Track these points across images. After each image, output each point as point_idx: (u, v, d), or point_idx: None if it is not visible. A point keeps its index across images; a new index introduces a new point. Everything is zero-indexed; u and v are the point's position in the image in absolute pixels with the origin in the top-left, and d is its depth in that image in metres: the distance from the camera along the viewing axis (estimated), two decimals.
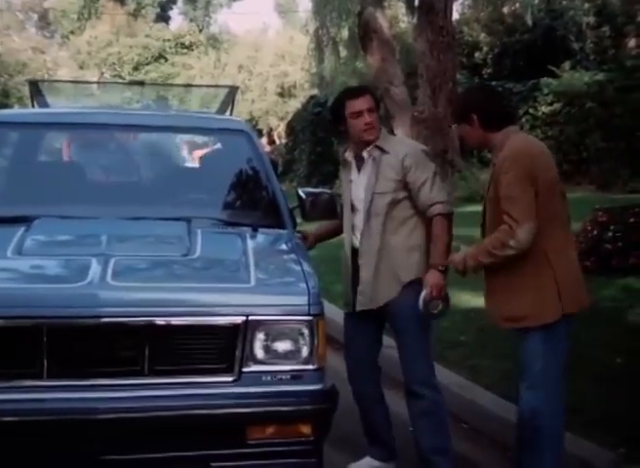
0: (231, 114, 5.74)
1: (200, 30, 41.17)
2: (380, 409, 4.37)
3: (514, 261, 3.56)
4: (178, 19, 49.72)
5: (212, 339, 3.33)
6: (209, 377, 3.30)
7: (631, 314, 6.76)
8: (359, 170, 4.22)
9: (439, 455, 4.08)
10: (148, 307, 3.26)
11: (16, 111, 8.94)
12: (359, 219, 4.18)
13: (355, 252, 4.21)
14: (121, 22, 42.78)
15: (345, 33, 19.32)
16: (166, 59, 40.53)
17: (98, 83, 17.03)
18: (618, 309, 6.93)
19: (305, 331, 3.37)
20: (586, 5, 20.88)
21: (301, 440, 3.35)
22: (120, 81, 28.82)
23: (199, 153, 8.44)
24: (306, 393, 3.34)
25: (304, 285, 3.46)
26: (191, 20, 44.51)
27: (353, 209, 4.24)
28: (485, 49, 22.39)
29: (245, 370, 3.31)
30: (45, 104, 5.59)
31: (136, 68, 39.73)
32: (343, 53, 20.00)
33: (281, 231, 4.36)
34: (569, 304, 3.60)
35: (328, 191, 4.91)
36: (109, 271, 3.33)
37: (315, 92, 27.36)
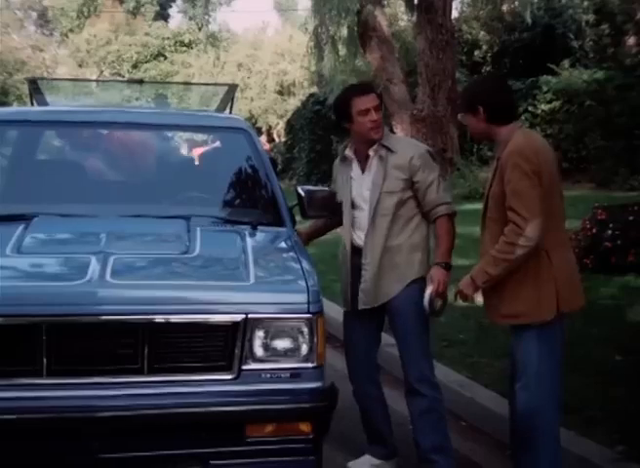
0: (230, 112, 5.73)
1: (199, 28, 41.09)
2: (379, 407, 4.37)
3: None
4: (177, 18, 49.80)
5: (211, 337, 3.33)
6: (208, 375, 3.30)
7: (630, 312, 6.76)
8: (362, 168, 4.22)
9: (439, 454, 4.08)
10: (147, 305, 3.26)
11: (15, 109, 8.94)
12: (362, 217, 4.18)
13: (355, 249, 4.21)
14: (120, 21, 42.76)
15: (345, 31, 19.29)
16: (165, 58, 40.52)
17: (97, 81, 17.01)
18: (617, 307, 6.94)
19: (305, 330, 3.37)
20: (585, 3, 20.88)
21: (301, 438, 3.35)
22: (119, 79, 28.79)
23: (198, 151, 8.44)
24: (306, 391, 3.34)
25: (304, 283, 3.46)
26: (190, 19, 44.49)
27: (354, 206, 4.23)
28: (484, 47, 22.38)
29: (244, 367, 3.31)
30: (44, 103, 5.59)
31: (135, 66, 39.72)
32: (343, 51, 19.97)
33: (280, 229, 4.35)
34: (565, 303, 3.60)
35: (327, 189, 4.90)
36: (108, 269, 3.33)
37: (314, 90, 27.40)
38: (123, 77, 34.96)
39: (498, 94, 3.77)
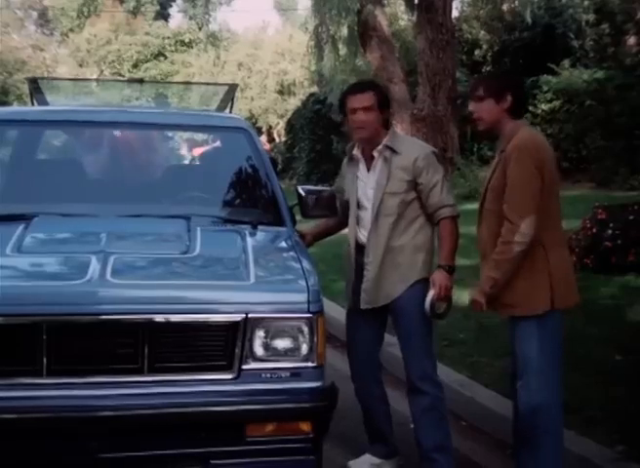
0: (231, 112, 5.74)
1: (199, 28, 41.04)
2: (381, 406, 4.38)
3: None
4: (177, 17, 49.76)
5: (211, 337, 3.33)
6: (208, 375, 3.30)
7: (630, 311, 6.76)
8: (368, 168, 4.22)
9: (440, 453, 4.08)
10: (148, 305, 3.26)
11: (15, 109, 8.94)
12: (366, 217, 4.19)
13: (360, 248, 4.21)
14: (120, 20, 42.74)
15: (345, 31, 19.29)
16: (165, 57, 40.50)
17: (97, 80, 17.00)
18: (617, 307, 6.94)
19: (305, 329, 3.37)
20: (586, 3, 20.84)
21: (301, 437, 3.35)
22: (119, 79, 28.78)
23: (199, 151, 8.44)
24: (306, 391, 3.35)
25: (304, 282, 3.46)
26: (191, 18, 44.44)
27: (359, 205, 4.24)
28: (484, 46, 22.35)
29: (244, 367, 3.31)
30: (44, 102, 5.59)
31: (135, 66, 39.71)
32: (343, 50, 19.97)
33: (281, 229, 4.36)
34: (560, 300, 3.62)
35: (327, 189, 4.90)
36: (109, 269, 3.33)
37: (315, 89, 27.37)
38: (123, 77, 34.92)
39: (522, 89, 3.93)
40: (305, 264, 3.65)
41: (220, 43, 40.00)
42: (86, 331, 3.20)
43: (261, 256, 3.82)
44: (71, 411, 3.13)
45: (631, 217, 8.16)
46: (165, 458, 3.26)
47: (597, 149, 16.09)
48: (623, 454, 4.15)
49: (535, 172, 3.55)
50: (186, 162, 7.33)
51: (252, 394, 3.29)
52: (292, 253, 3.89)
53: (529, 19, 18.89)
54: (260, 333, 3.34)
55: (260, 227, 4.21)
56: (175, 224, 4.09)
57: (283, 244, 4.18)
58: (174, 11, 49.44)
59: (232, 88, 5.96)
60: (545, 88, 17.17)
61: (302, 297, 3.38)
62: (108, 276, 3.29)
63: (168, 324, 3.28)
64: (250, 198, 4.88)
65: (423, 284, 4.06)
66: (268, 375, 3.34)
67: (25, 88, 6.29)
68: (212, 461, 3.29)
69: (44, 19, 50.15)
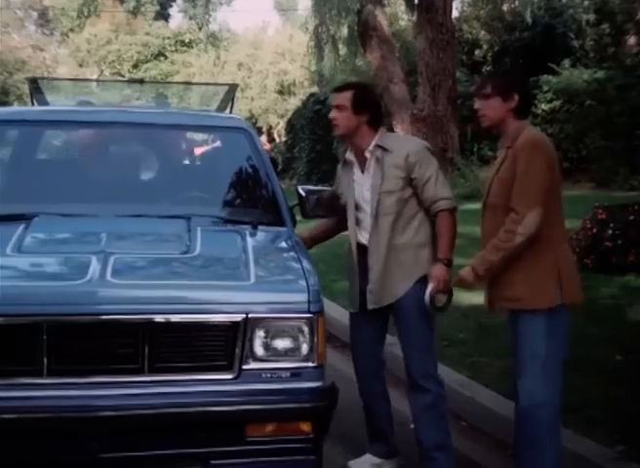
0: (231, 112, 5.74)
1: (200, 28, 41.01)
2: (383, 405, 4.38)
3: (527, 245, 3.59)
4: (177, 17, 49.73)
5: (211, 337, 3.33)
6: (208, 375, 3.30)
7: (631, 311, 6.76)
8: (362, 170, 4.23)
9: (440, 451, 4.08)
10: (148, 305, 3.26)
11: (15, 109, 8.94)
12: (365, 218, 4.19)
13: (362, 249, 4.21)
14: (121, 20, 42.75)
15: (345, 31, 19.31)
16: (165, 57, 40.52)
17: (97, 81, 17.01)
18: (617, 307, 6.94)
19: (305, 329, 3.37)
20: (586, 3, 20.86)
21: (301, 437, 3.35)
22: (120, 79, 28.79)
23: (199, 151, 8.43)
24: (306, 391, 3.34)
25: (304, 282, 3.46)
26: (191, 18, 44.39)
27: (358, 207, 4.25)
28: (485, 47, 22.36)
29: (245, 367, 3.31)
30: (44, 102, 5.59)
31: (135, 66, 39.73)
32: (343, 50, 19.99)
33: (281, 229, 4.36)
34: (567, 295, 3.64)
35: (328, 189, 4.90)
36: (109, 269, 3.33)
37: (315, 89, 27.40)
38: (123, 77, 34.95)
39: (529, 88, 3.98)
40: (306, 264, 3.65)
41: (220, 43, 39.95)
42: (86, 332, 3.20)
43: (262, 257, 3.82)
44: (71, 412, 3.13)
45: (631, 218, 8.16)
46: (165, 458, 3.26)
47: (597, 149, 16.09)
48: (624, 454, 4.15)
49: (545, 166, 3.59)
50: (187, 162, 7.31)
51: (252, 394, 3.29)
52: (292, 254, 3.89)
53: (529, 20, 18.91)
54: (260, 333, 3.34)
55: (260, 227, 4.21)
56: (175, 224, 4.09)
57: (283, 244, 4.18)
58: (174, 11, 49.48)
59: (232, 88, 5.96)
60: (546, 88, 17.17)
61: (303, 297, 3.38)
62: (109, 276, 3.29)
63: (168, 324, 3.28)
64: (250, 198, 4.88)
65: (425, 281, 4.06)
66: (269, 375, 3.34)
67: (26, 88, 6.30)
68: (212, 461, 3.29)
69: (44, 19, 50.15)
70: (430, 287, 3.95)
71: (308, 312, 3.37)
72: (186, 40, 41.32)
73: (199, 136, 9.03)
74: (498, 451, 4.55)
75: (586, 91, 16.59)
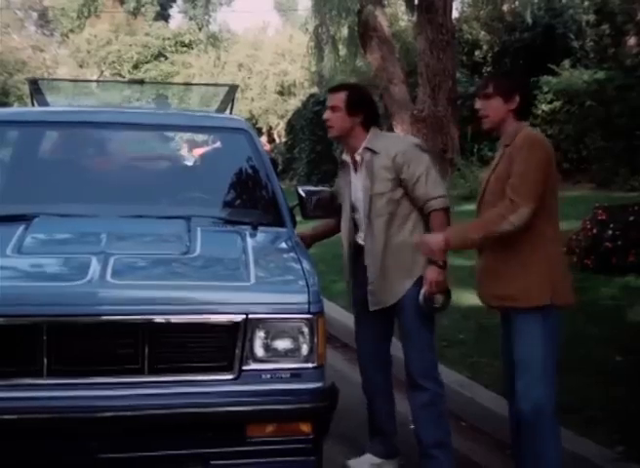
0: (231, 113, 5.74)
1: (200, 29, 41.02)
2: (385, 403, 4.37)
3: (515, 244, 3.59)
4: (177, 18, 49.73)
5: (211, 337, 3.33)
6: (208, 375, 3.31)
7: (631, 312, 6.76)
8: (355, 171, 4.24)
9: (439, 449, 4.08)
10: (148, 305, 3.26)
11: (15, 110, 8.94)
12: (361, 220, 4.20)
13: (359, 250, 4.22)
14: (121, 21, 42.75)
15: (345, 32, 19.33)
16: (166, 58, 40.52)
17: (97, 81, 17.02)
18: (617, 307, 6.94)
19: (305, 330, 3.38)
20: (586, 3, 20.85)
21: (301, 438, 3.35)
22: (120, 79, 28.79)
23: (199, 151, 8.45)
24: (306, 391, 3.35)
25: (304, 283, 3.46)
26: (191, 19, 44.40)
27: (354, 209, 4.25)
28: (485, 47, 22.36)
29: (245, 368, 3.31)
30: (45, 103, 5.59)
31: (135, 67, 39.72)
32: (343, 51, 20.01)
33: (281, 229, 4.36)
34: (558, 296, 3.62)
35: (328, 189, 4.90)
36: (109, 269, 3.34)
37: (315, 90, 27.39)
38: (123, 77, 34.93)
39: (530, 90, 3.90)
40: (305, 265, 3.66)
41: (220, 44, 39.94)
42: (86, 332, 3.21)
43: (262, 257, 3.82)
44: (71, 412, 3.13)
45: (631, 218, 8.16)
46: (165, 459, 3.26)
47: (597, 150, 16.09)
48: (623, 455, 4.15)
49: (541, 166, 3.58)
50: (187, 163, 7.32)
51: (252, 395, 3.29)
52: (292, 254, 3.90)
53: (529, 20, 18.91)
54: (260, 334, 3.34)
55: (260, 228, 4.21)
56: (175, 225, 4.09)
57: (283, 244, 4.18)
58: (174, 11, 49.47)
59: (232, 89, 5.96)
60: (546, 88, 17.16)
61: (303, 298, 3.38)
62: (109, 277, 3.30)
63: (168, 324, 3.28)
64: (250, 199, 4.88)
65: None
66: (269, 376, 3.34)
67: (26, 89, 6.30)
68: (212, 462, 3.29)
69: (44, 20, 50.16)
70: (424, 289, 3.95)
71: (308, 313, 3.37)
72: (186, 41, 41.32)
73: (199, 137, 9.05)
74: (497, 452, 4.55)
75: (586, 91, 16.58)
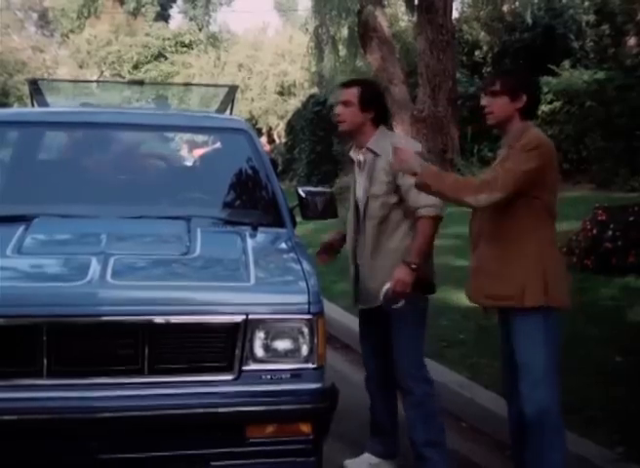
0: (231, 113, 5.74)
1: (200, 29, 41.06)
2: (387, 402, 4.35)
3: (510, 244, 3.59)
4: (177, 18, 49.73)
5: (211, 338, 3.33)
6: (208, 376, 3.31)
7: (631, 312, 6.76)
8: (360, 170, 4.23)
9: (432, 448, 4.07)
10: (148, 306, 3.26)
11: (15, 110, 8.94)
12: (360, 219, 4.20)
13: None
14: (121, 21, 42.73)
15: (345, 32, 19.34)
16: (166, 58, 40.50)
17: (97, 82, 17.01)
18: (617, 308, 6.94)
19: (305, 330, 3.38)
20: (586, 3, 20.86)
21: (301, 438, 3.35)
22: (120, 80, 28.81)
23: (199, 152, 8.44)
24: (306, 392, 3.35)
25: (304, 283, 3.46)
26: (191, 19, 44.41)
27: (357, 207, 4.22)
28: (485, 47, 22.36)
29: (245, 368, 3.31)
30: (45, 103, 5.59)
31: (135, 67, 39.71)
32: (343, 51, 20.01)
33: (281, 230, 4.36)
34: (552, 298, 3.60)
35: (327, 190, 4.91)
36: (109, 270, 3.34)
37: (315, 90, 27.37)
38: (123, 78, 34.93)
39: (538, 89, 3.96)
40: (305, 265, 3.66)
41: (220, 44, 40.03)
42: (86, 333, 3.21)
43: (262, 258, 3.82)
44: (71, 413, 3.13)
45: (631, 219, 8.15)
46: (165, 460, 3.26)
47: (597, 150, 16.08)
48: (623, 455, 4.15)
49: (534, 168, 3.53)
50: (187, 163, 7.32)
51: (252, 395, 3.30)
52: (292, 255, 3.90)
53: (529, 20, 18.92)
54: (260, 335, 3.34)
55: (260, 228, 4.21)
56: (175, 225, 4.09)
57: (283, 245, 4.19)
58: (174, 12, 49.46)
59: (232, 89, 5.96)
60: (546, 89, 17.15)
61: (303, 299, 3.38)
62: (109, 277, 3.30)
63: (168, 325, 3.28)
64: (250, 199, 4.88)
65: (415, 285, 4.04)
66: (269, 377, 3.34)
67: (26, 89, 6.30)
68: (212, 463, 3.29)
69: (44, 21, 50.18)
70: (387, 285, 3.92)
71: (308, 313, 3.37)
72: (186, 41, 41.29)
73: (199, 138, 9.04)
74: (497, 452, 4.55)
75: (586, 92, 16.59)
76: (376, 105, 4.17)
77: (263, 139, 28.00)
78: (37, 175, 4.81)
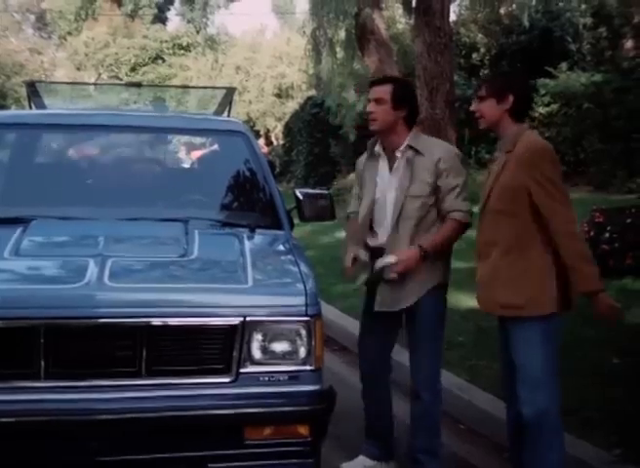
0: (229, 115, 5.74)
1: (197, 31, 40.99)
2: (383, 408, 4.35)
3: (522, 252, 3.59)
4: (175, 21, 49.81)
5: (209, 340, 3.33)
6: (206, 378, 3.31)
7: (628, 314, 6.76)
8: (390, 167, 4.12)
9: (427, 456, 4.11)
10: (146, 308, 3.26)
11: (13, 112, 8.93)
12: (382, 217, 4.11)
13: (372, 249, 4.13)
14: (118, 23, 42.70)
15: (343, 34, 19.30)
16: (163, 61, 40.46)
17: (95, 84, 17.01)
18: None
19: (303, 332, 3.38)
20: (583, 6, 20.87)
21: (299, 440, 3.35)
22: (117, 82, 28.80)
23: (197, 154, 8.44)
24: (304, 394, 3.35)
25: (302, 285, 3.46)
26: (189, 22, 44.35)
27: (375, 204, 4.14)
28: (482, 50, 22.37)
29: (242, 370, 3.31)
30: (42, 106, 5.59)
31: (133, 69, 39.66)
32: (341, 54, 19.97)
33: (278, 232, 4.37)
34: (565, 301, 3.62)
35: (325, 192, 4.90)
36: (106, 272, 3.34)
37: (312, 93, 27.35)
38: (121, 80, 34.90)
39: (527, 90, 3.93)
40: (303, 267, 3.66)
41: (217, 46, 39.98)
42: (84, 335, 3.20)
43: (259, 260, 3.82)
44: (69, 415, 3.13)
45: (629, 221, 8.16)
46: (163, 461, 3.26)
47: (595, 152, 16.10)
48: (621, 457, 4.15)
49: (558, 172, 3.60)
50: (185, 165, 7.32)
51: (250, 397, 3.30)
52: (289, 257, 3.90)
53: (526, 23, 18.89)
54: (257, 337, 3.34)
55: (257, 230, 4.21)
56: (172, 227, 4.09)
57: (281, 247, 4.19)
58: (172, 14, 49.39)
59: (230, 91, 5.96)
60: (543, 91, 17.17)
61: (300, 301, 3.38)
62: (106, 279, 3.30)
63: (166, 327, 3.28)
64: (248, 201, 4.88)
65: (439, 289, 4.04)
66: (266, 379, 3.34)
67: (23, 91, 6.29)
68: (210, 465, 3.29)
69: (42, 23, 50.11)
70: (389, 258, 3.92)
71: (306, 315, 3.37)
72: (184, 43, 41.26)
73: (197, 140, 9.04)
74: (495, 454, 4.55)
75: (584, 94, 16.60)
76: (408, 104, 4.10)
77: (261, 142, 28.02)
78: (35, 178, 4.81)
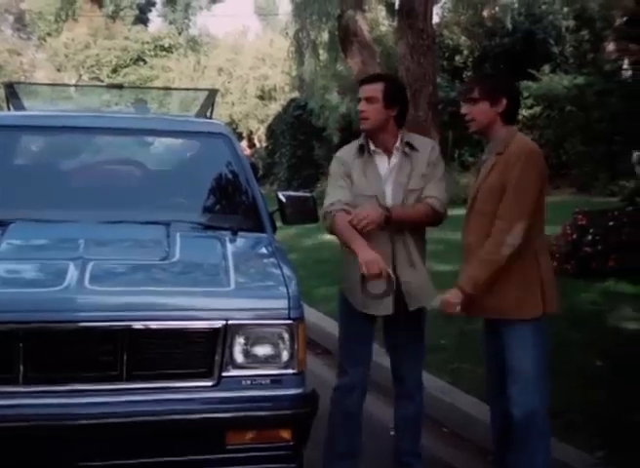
0: (211, 117, 5.71)
1: (179, 33, 40.99)
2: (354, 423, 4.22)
3: (515, 255, 3.56)
4: (157, 22, 49.59)
5: (191, 344, 3.31)
6: (188, 382, 3.28)
7: (611, 317, 6.79)
8: (388, 165, 4.02)
9: (415, 458, 4.11)
10: (126, 311, 3.23)
11: None
12: None
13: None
14: (99, 24, 42.52)
15: (326, 36, 19.35)
16: (145, 62, 40.32)
17: (76, 86, 16.94)
18: (597, 312, 6.96)
19: (285, 336, 3.36)
20: (565, 9, 21.00)
21: (281, 445, 3.34)
22: (98, 84, 28.69)
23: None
24: (286, 398, 3.33)
25: (284, 289, 3.44)
26: (170, 23, 44.27)
27: (377, 200, 3.99)
28: (465, 52, 22.48)
29: (224, 374, 3.29)
30: (21, 107, 5.53)
31: (114, 71, 39.50)
32: (324, 56, 20.02)
33: (261, 235, 4.35)
34: (549, 304, 3.63)
35: (308, 195, 4.88)
36: (87, 275, 3.30)
37: (295, 95, 27.39)
38: (102, 82, 34.77)
39: (517, 94, 3.91)
40: (286, 270, 3.64)
41: (200, 48, 39.93)
42: (63, 339, 3.17)
43: (242, 263, 3.80)
44: (49, 420, 3.10)
45: (611, 223, 8.20)
46: (144, 466, 3.23)
47: (577, 155, 16.20)
48: (603, 460, 4.16)
49: (537, 180, 3.57)
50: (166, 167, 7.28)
51: (232, 401, 3.27)
52: (272, 260, 3.87)
53: (509, 26, 19.03)
54: (240, 340, 3.32)
55: (240, 233, 4.19)
56: (154, 230, 4.06)
57: (263, 250, 4.16)
58: (153, 15, 49.18)
59: (212, 93, 5.93)
60: (526, 93, 17.26)
61: (283, 304, 3.36)
62: (86, 282, 3.26)
63: (147, 330, 3.25)
64: (230, 204, 4.86)
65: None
66: (249, 382, 3.32)
67: (1, 93, 6.22)
68: None
69: (21, 24, 49.81)
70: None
71: (288, 318, 3.35)
72: (166, 45, 41.13)
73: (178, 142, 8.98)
74: (479, 458, 4.54)
75: (566, 96, 16.70)
76: (400, 102, 4.02)
77: (244, 144, 28.01)
78: (14, 180, 4.75)
